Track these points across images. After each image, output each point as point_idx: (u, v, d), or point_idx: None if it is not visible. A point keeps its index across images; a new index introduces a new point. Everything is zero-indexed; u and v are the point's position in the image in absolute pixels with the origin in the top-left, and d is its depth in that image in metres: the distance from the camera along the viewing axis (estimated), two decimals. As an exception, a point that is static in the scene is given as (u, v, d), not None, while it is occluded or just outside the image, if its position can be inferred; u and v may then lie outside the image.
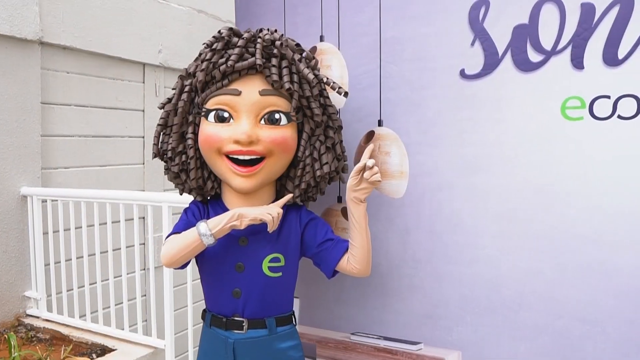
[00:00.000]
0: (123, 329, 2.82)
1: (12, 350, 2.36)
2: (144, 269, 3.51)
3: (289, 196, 1.46)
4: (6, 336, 2.54)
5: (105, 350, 2.71)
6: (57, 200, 3.02)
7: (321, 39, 1.71)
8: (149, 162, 4.36)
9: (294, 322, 1.53)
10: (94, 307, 2.99)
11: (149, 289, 2.73)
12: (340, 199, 1.73)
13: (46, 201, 3.09)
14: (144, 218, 3.55)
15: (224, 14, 5.11)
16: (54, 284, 3.07)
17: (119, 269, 2.90)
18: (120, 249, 2.84)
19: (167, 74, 4.53)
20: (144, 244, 3.68)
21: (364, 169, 1.37)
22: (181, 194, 1.55)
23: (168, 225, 2.56)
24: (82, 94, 3.67)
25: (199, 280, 2.78)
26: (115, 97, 4.00)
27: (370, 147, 1.45)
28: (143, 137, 4.32)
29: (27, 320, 3.09)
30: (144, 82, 4.31)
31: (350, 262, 1.44)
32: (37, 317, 3.12)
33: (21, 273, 3.17)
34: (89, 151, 3.75)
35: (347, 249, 1.45)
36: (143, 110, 4.31)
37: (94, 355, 2.67)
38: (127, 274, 2.79)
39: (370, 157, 1.43)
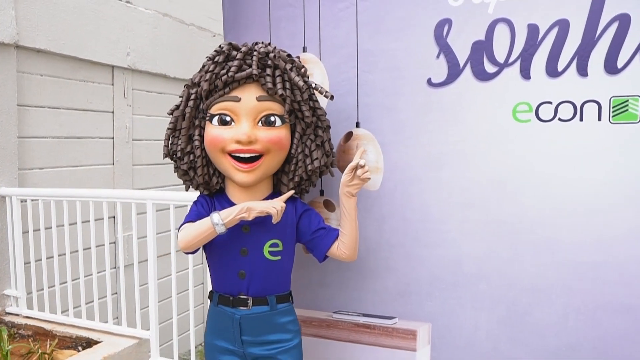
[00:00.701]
0: (107, 322, 2.93)
1: (3, 344, 2.44)
2: (115, 267, 3.62)
3: (290, 192, 1.66)
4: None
5: (90, 342, 2.82)
6: (37, 200, 3.10)
7: (304, 49, 1.91)
8: (118, 163, 4.44)
9: (291, 300, 1.72)
10: (76, 302, 3.08)
11: (136, 283, 2.86)
12: (322, 192, 1.93)
13: (26, 201, 3.16)
14: (114, 217, 3.68)
15: (188, 18, 5.22)
16: (35, 281, 3.15)
17: (99, 265, 3.01)
18: (102, 245, 2.96)
19: (134, 76, 4.60)
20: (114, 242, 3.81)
21: (356, 167, 1.58)
22: (187, 190, 1.73)
23: (152, 221, 2.69)
24: (55, 96, 3.73)
25: (183, 273, 2.93)
26: (86, 99, 4.06)
27: (361, 149, 1.68)
28: (112, 138, 4.39)
29: (7, 318, 3.14)
30: (112, 84, 4.37)
31: (340, 248, 1.65)
32: (17, 315, 3.17)
33: (0, 272, 3.22)
34: (62, 152, 3.80)
35: (337, 237, 1.66)
36: (112, 112, 4.38)
37: (79, 348, 2.78)
38: (110, 269, 2.91)
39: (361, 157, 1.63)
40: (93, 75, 4.12)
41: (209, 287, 2.53)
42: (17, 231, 3.17)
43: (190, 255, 2.65)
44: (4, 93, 3.25)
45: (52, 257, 3.09)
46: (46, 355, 2.56)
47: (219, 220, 1.50)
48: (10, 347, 2.46)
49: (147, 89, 4.73)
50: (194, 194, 2.64)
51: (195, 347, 2.79)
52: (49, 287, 3.12)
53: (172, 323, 2.77)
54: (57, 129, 3.77)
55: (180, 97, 1.63)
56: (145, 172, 4.70)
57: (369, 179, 1.60)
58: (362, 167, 1.57)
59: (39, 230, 3.12)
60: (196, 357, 2.79)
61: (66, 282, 3.04)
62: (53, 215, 3.02)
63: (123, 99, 4.48)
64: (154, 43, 4.70)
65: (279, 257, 1.64)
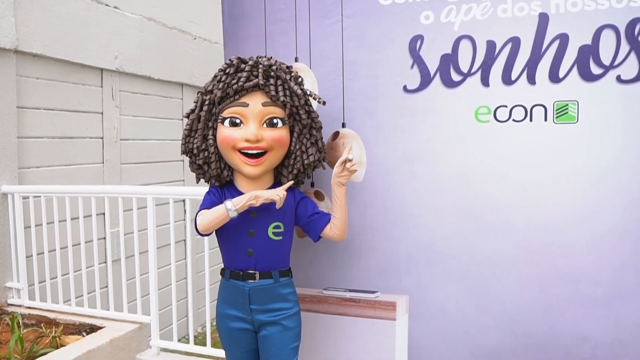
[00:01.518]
0: (108, 310, 3.15)
1: (17, 328, 2.63)
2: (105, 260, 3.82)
3: (290, 182, 1.92)
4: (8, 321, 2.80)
5: (94, 328, 3.03)
6: (39, 197, 3.29)
7: (296, 60, 2.17)
8: (107, 161, 4.63)
9: (290, 275, 1.99)
10: (76, 293, 3.29)
11: (137, 272, 3.08)
12: (313, 184, 2.20)
13: (28, 198, 3.34)
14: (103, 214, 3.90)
15: (170, 21, 5.42)
16: (37, 273, 3.34)
17: (99, 257, 3.22)
18: (103, 238, 3.17)
19: (122, 79, 4.79)
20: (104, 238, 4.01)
21: (345, 161, 1.85)
22: (197, 182, 2.00)
23: (152, 214, 2.92)
24: (49, 98, 3.92)
25: (183, 262, 3.16)
26: (77, 101, 4.25)
27: (349, 146, 1.95)
28: (102, 137, 4.58)
29: (10, 309, 3.31)
30: (102, 87, 4.56)
31: (332, 229, 1.91)
32: (19, 306, 3.35)
33: (2, 265, 3.40)
34: (56, 151, 3.99)
35: (330, 220, 1.92)
36: (102, 113, 4.57)
37: (84, 333, 2.98)
38: (113, 261, 3.13)
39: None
40: (84, 78, 4.30)
41: (207, 281, 2.80)
42: (19, 227, 3.35)
43: (188, 247, 2.90)
44: (5, 96, 3.43)
45: (54, 250, 3.29)
46: (57, 339, 2.76)
47: (232, 207, 1.77)
48: (24, 330, 2.65)
49: (133, 90, 4.92)
50: (190, 189, 2.90)
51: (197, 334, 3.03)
52: (51, 279, 3.32)
53: (170, 309, 3.00)
54: (51, 129, 3.96)
55: (195, 102, 1.89)
56: (132, 171, 4.89)
57: (357, 170, 1.88)
58: (350, 160, 1.85)
59: (41, 225, 3.31)
60: (194, 340, 3.03)
61: (68, 273, 3.25)
62: (55, 211, 3.22)
63: (111, 100, 4.66)
64: (140, 46, 4.89)
65: (281, 238, 1.90)
